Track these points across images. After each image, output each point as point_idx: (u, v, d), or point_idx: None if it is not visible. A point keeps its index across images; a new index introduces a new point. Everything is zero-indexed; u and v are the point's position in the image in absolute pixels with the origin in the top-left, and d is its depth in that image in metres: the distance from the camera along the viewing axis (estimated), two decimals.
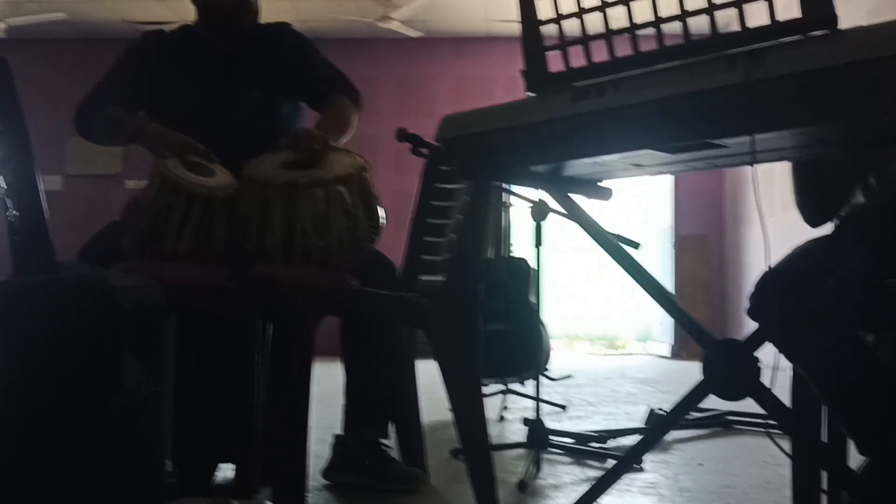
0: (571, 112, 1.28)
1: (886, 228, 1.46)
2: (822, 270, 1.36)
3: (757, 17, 1.10)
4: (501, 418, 3.55)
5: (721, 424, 3.39)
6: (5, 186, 1.58)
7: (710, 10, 1.15)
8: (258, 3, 2.39)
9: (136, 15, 7.94)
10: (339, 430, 2.34)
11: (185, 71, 2.29)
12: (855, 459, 1.49)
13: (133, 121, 2.17)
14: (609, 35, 1.24)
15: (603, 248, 1.56)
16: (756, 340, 1.39)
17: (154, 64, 2.29)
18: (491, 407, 3.05)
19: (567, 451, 2.78)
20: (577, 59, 1.30)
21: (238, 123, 2.24)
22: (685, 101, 1.16)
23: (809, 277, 1.36)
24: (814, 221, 1.69)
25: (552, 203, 2.68)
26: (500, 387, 3.77)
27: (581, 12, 1.27)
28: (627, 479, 2.35)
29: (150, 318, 1.54)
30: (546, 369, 4.02)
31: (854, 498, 1.47)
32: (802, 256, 1.47)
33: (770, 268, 1.36)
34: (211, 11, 2.31)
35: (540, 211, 2.75)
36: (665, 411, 3.25)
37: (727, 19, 1.16)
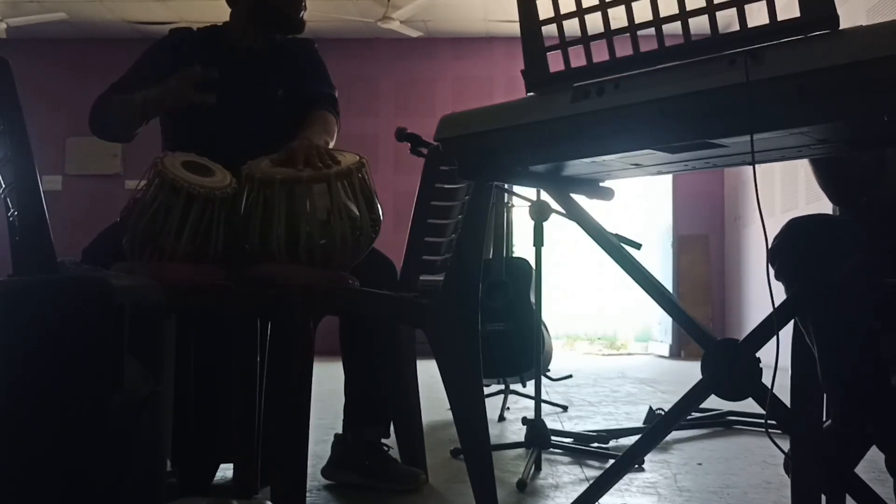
0: (571, 112, 1.27)
1: (887, 227, 1.46)
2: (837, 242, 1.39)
3: (757, 17, 1.10)
4: (502, 418, 3.55)
5: (721, 424, 3.39)
6: (5, 186, 1.58)
7: (710, 10, 1.15)
8: None
9: (136, 15, 7.93)
10: (339, 430, 2.34)
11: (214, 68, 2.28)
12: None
13: (138, 95, 2.14)
14: (609, 35, 1.24)
15: (603, 248, 1.56)
16: (759, 335, 1.39)
17: (180, 59, 2.25)
18: (491, 407, 3.04)
19: (567, 451, 2.78)
20: (577, 59, 1.30)
21: (263, 123, 2.26)
22: (685, 101, 1.16)
23: (831, 233, 1.38)
24: (839, 203, 1.71)
25: (552, 203, 2.68)
26: (500, 387, 3.77)
27: (581, 12, 1.27)
28: (627, 479, 2.34)
29: (150, 318, 1.54)
30: (547, 369, 4.02)
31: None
32: (831, 217, 1.49)
33: (767, 246, 1.37)
34: (280, 19, 2.32)
35: (540, 211, 2.76)
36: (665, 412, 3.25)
37: (727, 19, 1.16)
